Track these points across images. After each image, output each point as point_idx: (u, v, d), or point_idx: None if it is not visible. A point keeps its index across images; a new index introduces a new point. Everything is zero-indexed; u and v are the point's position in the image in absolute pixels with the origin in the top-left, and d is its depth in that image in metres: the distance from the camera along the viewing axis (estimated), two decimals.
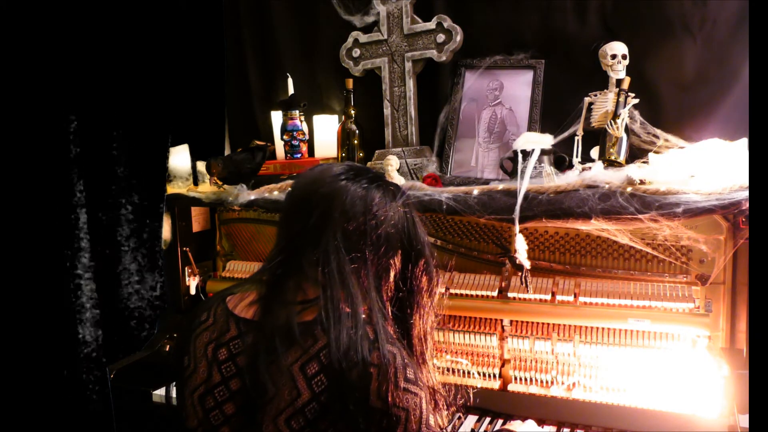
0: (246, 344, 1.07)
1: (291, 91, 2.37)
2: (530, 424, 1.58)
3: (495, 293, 1.80)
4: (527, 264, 1.64)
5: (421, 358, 1.21)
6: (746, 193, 1.42)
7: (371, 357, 0.99)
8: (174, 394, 1.21)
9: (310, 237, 1.07)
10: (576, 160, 1.86)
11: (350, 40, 2.23)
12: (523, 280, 1.68)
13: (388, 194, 1.13)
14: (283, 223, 1.16)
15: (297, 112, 2.30)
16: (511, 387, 1.77)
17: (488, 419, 1.69)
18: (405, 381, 1.00)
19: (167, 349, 2.21)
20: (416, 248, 1.16)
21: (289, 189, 1.18)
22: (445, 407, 1.22)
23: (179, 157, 2.33)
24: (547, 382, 1.75)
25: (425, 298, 1.20)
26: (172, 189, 2.26)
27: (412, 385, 1.01)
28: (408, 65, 2.13)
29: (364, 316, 1.04)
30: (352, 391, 0.98)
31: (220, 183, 2.14)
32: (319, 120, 2.38)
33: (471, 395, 1.61)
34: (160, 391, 2.00)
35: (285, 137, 2.31)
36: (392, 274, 1.15)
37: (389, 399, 0.98)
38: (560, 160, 1.81)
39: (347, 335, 0.99)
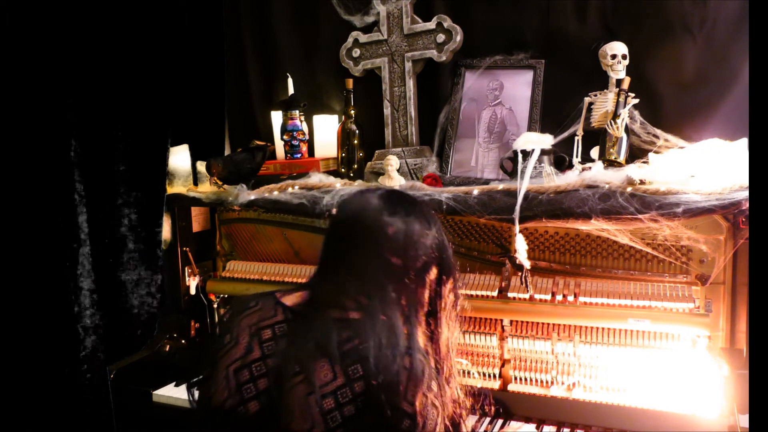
0: (291, 330, 1.15)
1: (291, 91, 2.38)
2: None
3: (495, 293, 1.80)
4: (527, 264, 1.64)
5: (447, 372, 1.27)
6: (746, 193, 1.42)
7: (404, 361, 1.06)
8: (190, 391, 1.27)
9: (356, 266, 1.19)
10: (576, 160, 1.86)
11: (350, 40, 2.23)
12: (523, 280, 1.68)
13: (425, 225, 1.22)
14: (328, 248, 1.26)
15: (297, 112, 2.30)
16: (511, 387, 1.77)
17: (488, 419, 1.69)
18: (429, 391, 1.08)
19: (167, 349, 2.21)
20: (448, 271, 1.26)
21: (334, 215, 1.29)
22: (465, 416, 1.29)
23: (179, 157, 2.33)
24: (547, 382, 1.75)
25: (451, 316, 1.29)
26: (172, 189, 2.26)
27: (435, 399, 1.08)
28: (408, 65, 2.13)
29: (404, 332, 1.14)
30: (383, 389, 1.03)
31: (220, 183, 2.14)
32: (319, 120, 2.38)
33: (492, 401, 1.66)
34: (162, 391, 2.00)
35: (285, 137, 2.31)
36: (427, 294, 1.24)
37: (416, 403, 1.05)
38: (560, 160, 1.81)
39: (384, 339, 1.08)
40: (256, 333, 1.15)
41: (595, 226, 1.59)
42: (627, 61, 1.84)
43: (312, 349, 1.08)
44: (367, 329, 1.09)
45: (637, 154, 1.83)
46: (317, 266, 1.28)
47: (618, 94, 1.79)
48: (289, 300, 1.22)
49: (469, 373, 1.82)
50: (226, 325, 1.22)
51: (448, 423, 1.18)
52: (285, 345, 1.12)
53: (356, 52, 2.22)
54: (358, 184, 2.00)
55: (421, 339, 1.18)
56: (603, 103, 1.84)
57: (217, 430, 1.12)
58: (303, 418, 1.04)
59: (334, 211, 1.30)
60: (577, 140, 1.88)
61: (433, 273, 1.25)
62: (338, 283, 1.19)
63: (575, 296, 1.72)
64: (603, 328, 1.70)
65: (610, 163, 1.74)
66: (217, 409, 1.11)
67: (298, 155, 2.32)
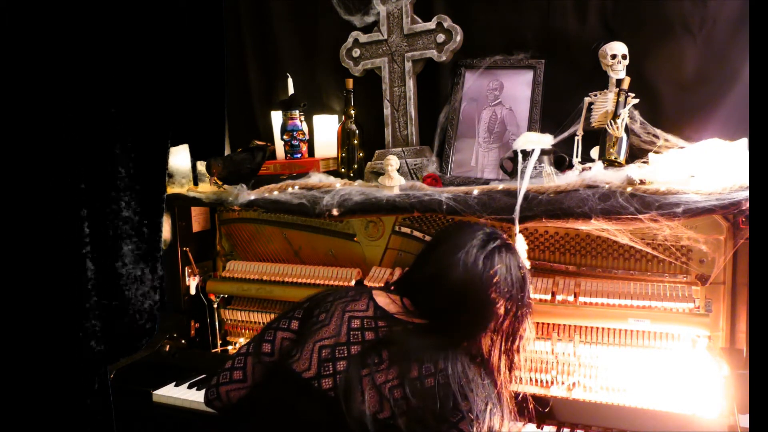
0: (377, 325, 1.28)
1: (291, 91, 2.37)
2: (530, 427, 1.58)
3: None
4: (527, 264, 1.64)
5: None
6: (746, 193, 1.42)
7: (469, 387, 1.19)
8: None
9: (445, 297, 1.31)
10: (576, 160, 1.85)
11: (350, 40, 2.23)
12: None
13: (517, 277, 1.35)
14: (423, 265, 1.40)
15: (297, 112, 2.30)
16: (511, 387, 1.77)
17: None
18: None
19: (167, 349, 2.21)
20: (524, 311, 1.37)
21: (438, 237, 1.43)
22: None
23: (179, 157, 2.33)
24: (547, 382, 1.75)
25: (515, 348, 1.39)
26: (172, 189, 2.26)
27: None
28: (408, 65, 2.13)
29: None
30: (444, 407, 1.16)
31: (220, 183, 2.14)
32: (319, 120, 2.38)
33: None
34: (162, 391, 2.00)
35: (285, 137, 2.31)
36: (503, 332, 1.35)
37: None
38: (560, 160, 1.81)
39: (457, 364, 1.20)
40: (347, 320, 1.29)
41: (595, 226, 1.59)
42: (627, 61, 1.84)
43: (393, 348, 1.22)
44: (443, 355, 1.21)
45: (637, 154, 1.83)
46: (408, 271, 1.43)
47: (618, 94, 1.78)
48: (382, 300, 1.35)
49: None
50: (323, 305, 1.35)
51: None
52: (370, 338, 1.26)
53: (356, 52, 2.22)
54: (358, 184, 2.00)
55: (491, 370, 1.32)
56: (603, 103, 1.84)
57: (287, 391, 1.26)
58: (372, 401, 1.18)
59: (437, 234, 1.47)
60: (577, 140, 1.88)
61: (512, 314, 1.34)
62: (425, 301, 1.32)
63: (575, 296, 1.72)
64: (603, 328, 1.70)
65: (610, 163, 1.74)
66: (295, 375, 1.25)
67: (298, 155, 2.32)
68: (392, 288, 1.42)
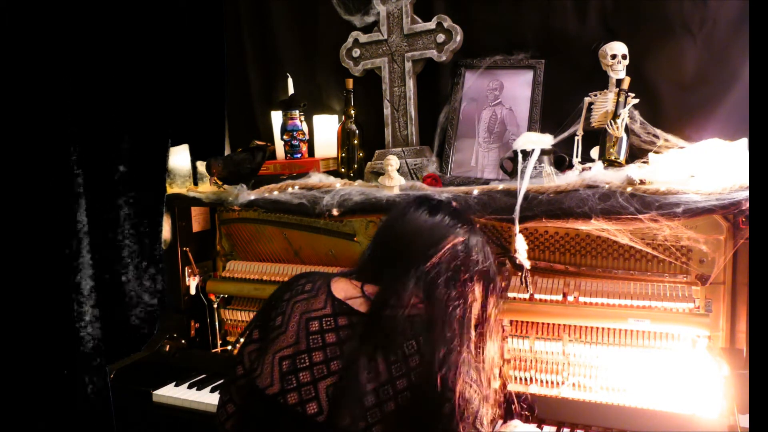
0: (336, 325, 1.17)
1: (291, 91, 2.37)
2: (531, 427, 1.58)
3: None
4: (527, 264, 1.64)
5: (487, 382, 1.26)
6: (746, 193, 1.42)
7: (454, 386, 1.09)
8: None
9: (402, 272, 1.19)
10: (576, 160, 1.86)
11: (350, 40, 2.23)
12: (523, 280, 1.68)
13: (476, 240, 1.27)
14: (379, 246, 1.30)
15: (297, 112, 2.30)
16: (511, 387, 1.77)
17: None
18: (469, 379, 1.13)
19: (167, 349, 2.21)
20: (492, 284, 1.29)
21: (389, 218, 1.32)
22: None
23: (179, 157, 2.33)
24: (547, 382, 1.75)
25: (494, 327, 1.30)
26: (172, 189, 2.26)
27: (476, 387, 1.15)
28: (408, 65, 2.13)
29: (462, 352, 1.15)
30: (424, 384, 1.09)
31: (220, 183, 2.14)
32: (319, 120, 2.38)
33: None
34: (162, 391, 2.00)
35: (285, 137, 2.31)
36: (471, 306, 1.24)
37: (456, 389, 1.10)
38: (560, 160, 1.81)
39: (425, 339, 1.12)
40: (305, 324, 1.18)
41: (595, 226, 1.59)
42: (627, 61, 1.84)
43: (356, 348, 1.12)
44: (411, 332, 1.13)
45: (637, 154, 1.83)
46: (369, 255, 1.30)
47: (618, 94, 1.78)
48: (341, 288, 1.23)
49: None
50: (279, 305, 1.23)
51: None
52: (331, 340, 1.16)
53: (356, 52, 2.22)
54: (358, 184, 2.00)
55: (464, 347, 1.19)
56: (603, 103, 1.84)
57: (258, 410, 1.17)
58: (343, 413, 1.08)
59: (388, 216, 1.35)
60: (577, 140, 1.88)
61: (478, 285, 1.26)
62: (383, 283, 1.21)
63: (575, 296, 1.72)
64: (603, 328, 1.70)
65: (610, 163, 1.74)
66: (259, 392, 1.15)
67: (298, 155, 2.32)
68: (353, 274, 1.29)
